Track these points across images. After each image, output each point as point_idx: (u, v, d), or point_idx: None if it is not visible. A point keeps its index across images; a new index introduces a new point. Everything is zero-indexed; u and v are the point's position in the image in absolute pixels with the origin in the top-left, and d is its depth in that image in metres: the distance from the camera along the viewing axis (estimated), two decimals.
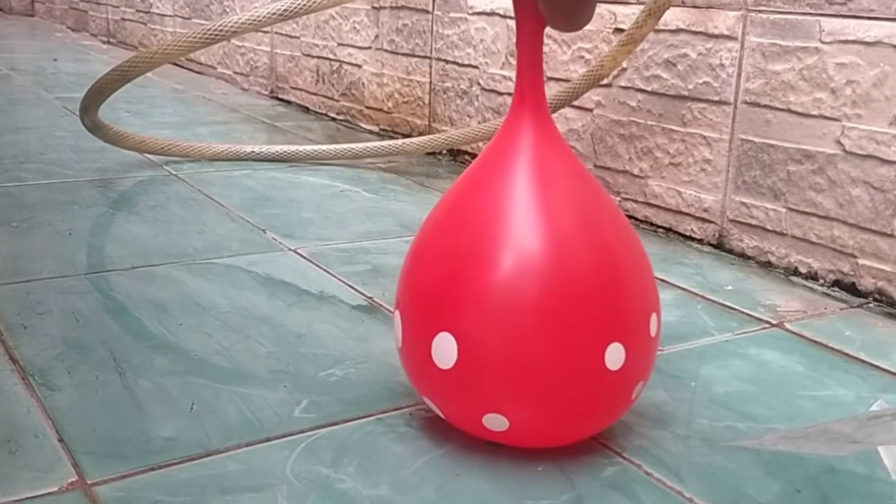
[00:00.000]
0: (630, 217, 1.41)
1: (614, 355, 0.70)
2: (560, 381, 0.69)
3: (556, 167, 0.74)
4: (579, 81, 1.41)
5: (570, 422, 0.72)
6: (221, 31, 1.40)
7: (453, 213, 0.76)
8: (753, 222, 1.24)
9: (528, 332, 0.69)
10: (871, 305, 1.10)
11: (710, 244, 1.31)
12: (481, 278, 0.70)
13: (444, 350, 0.71)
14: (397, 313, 0.77)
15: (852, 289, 1.13)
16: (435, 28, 1.85)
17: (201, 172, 1.64)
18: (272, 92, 2.56)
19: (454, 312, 0.71)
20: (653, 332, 0.75)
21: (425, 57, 1.89)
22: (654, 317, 0.75)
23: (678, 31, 1.31)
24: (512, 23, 1.63)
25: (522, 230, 0.71)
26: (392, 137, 2.01)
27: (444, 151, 1.86)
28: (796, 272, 1.20)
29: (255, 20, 1.40)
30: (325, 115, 2.29)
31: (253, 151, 1.74)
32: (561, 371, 0.69)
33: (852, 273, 1.13)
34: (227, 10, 2.76)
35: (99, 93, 1.49)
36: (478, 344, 0.70)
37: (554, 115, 1.53)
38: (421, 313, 0.74)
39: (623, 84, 1.41)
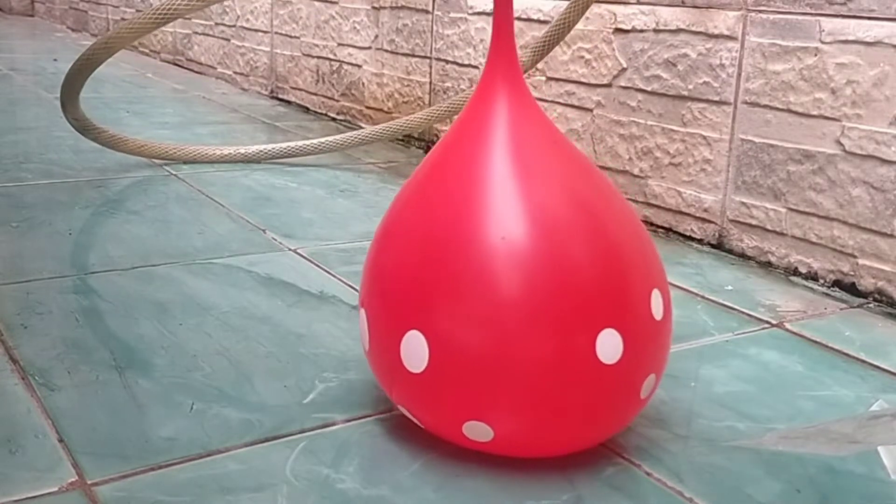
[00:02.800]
0: None
1: (608, 345, 0.62)
2: (545, 381, 0.62)
3: (534, 133, 0.67)
4: (543, 40, 1.40)
5: (564, 428, 0.66)
6: (170, 10, 1.35)
7: (423, 192, 0.68)
8: (753, 222, 1.24)
9: (508, 327, 0.61)
10: (871, 305, 1.10)
11: (710, 244, 1.31)
12: (454, 268, 0.62)
13: (414, 351, 0.63)
14: (362, 311, 0.70)
15: (852, 289, 1.13)
16: (435, 28, 1.85)
17: (201, 172, 1.64)
18: (272, 92, 2.56)
19: (423, 309, 0.63)
20: (657, 314, 0.65)
21: (425, 57, 1.89)
22: (656, 295, 0.65)
23: (678, 31, 1.31)
24: None
25: (500, 209, 0.63)
26: (391, 137, 2.01)
27: None
28: (796, 272, 1.20)
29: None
30: (325, 115, 2.29)
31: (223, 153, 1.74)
32: (545, 370, 0.61)
33: (852, 273, 1.13)
34: (227, 9, 2.76)
35: (69, 87, 1.48)
36: (450, 343, 0.62)
37: (553, 116, 1.53)
38: (387, 310, 0.66)
39: (623, 84, 1.41)
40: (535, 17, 1.57)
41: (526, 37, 1.60)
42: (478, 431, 0.65)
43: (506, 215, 0.63)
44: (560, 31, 1.39)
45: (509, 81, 0.68)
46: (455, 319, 0.63)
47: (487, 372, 0.63)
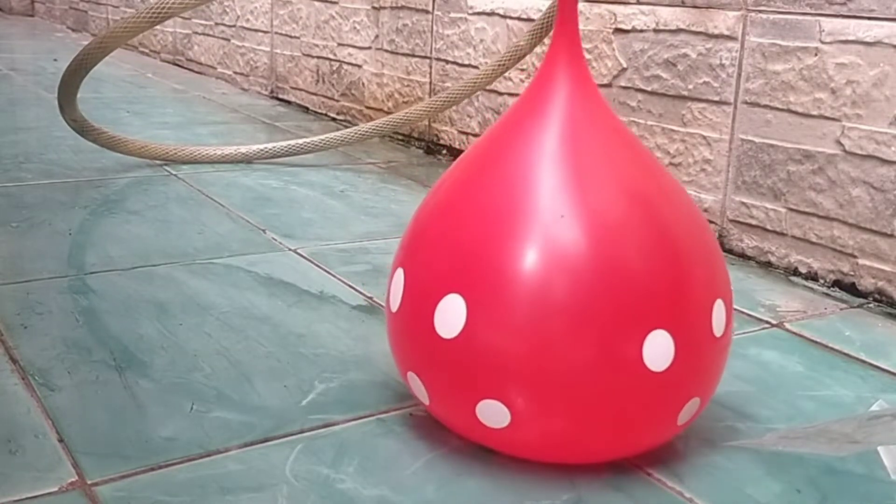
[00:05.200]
0: None
1: (657, 348, 0.56)
2: (581, 376, 0.57)
3: (593, 120, 0.63)
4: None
5: (586, 429, 0.62)
6: (164, 9, 1.34)
7: (479, 166, 0.65)
8: (753, 222, 1.24)
9: (549, 315, 0.58)
10: (871, 305, 1.10)
11: None
12: (507, 242, 0.59)
13: (450, 315, 0.60)
14: (399, 271, 0.67)
15: (852, 289, 1.13)
16: (435, 28, 1.85)
17: (201, 172, 1.64)
18: (272, 92, 2.56)
19: (468, 274, 0.60)
20: (717, 328, 0.60)
21: (425, 57, 1.89)
22: (719, 307, 0.60)
23: (678, 31, 1.31)
24: (511, 23, 1.63)
25: (553, 194, 0.59)
26: (392, 137, 2.01)
27: (445, 150, 1.86)
28: (796, 272, 1.20)
29: None
30: (325, 115, 2.29)
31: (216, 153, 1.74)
32: (583, 363, 0.57)
33: (852, 273, 1.13)
34: (227, 9, 2.75)
35: (66, 88, 1.48)
36: (490, 312, 0.59)
37: None
38: (430, 271, 0.63)
39: (623, 84, 1.41)
40: (535, 17, 1.57)
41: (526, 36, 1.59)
42: (492, 414, 0.61)
43: (561, 197, 0.60)
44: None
45: (572, 66, 0.65)
46: (498, 291, 0.59)
47: (516, 353, 0.59)
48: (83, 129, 1.58)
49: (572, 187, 0.61)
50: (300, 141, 1.75)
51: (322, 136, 1.74)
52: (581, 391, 0.59)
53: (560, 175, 0.62)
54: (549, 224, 0.60)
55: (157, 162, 1.69)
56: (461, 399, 0.64)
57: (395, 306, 0.68)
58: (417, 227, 0.68)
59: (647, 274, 0.58)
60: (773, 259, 1.23)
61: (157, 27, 3.33)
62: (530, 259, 0.59)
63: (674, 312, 0.57)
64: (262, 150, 1.73)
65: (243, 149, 1.73)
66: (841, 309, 1.09)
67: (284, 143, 1.74)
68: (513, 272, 0.59)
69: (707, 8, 1.27)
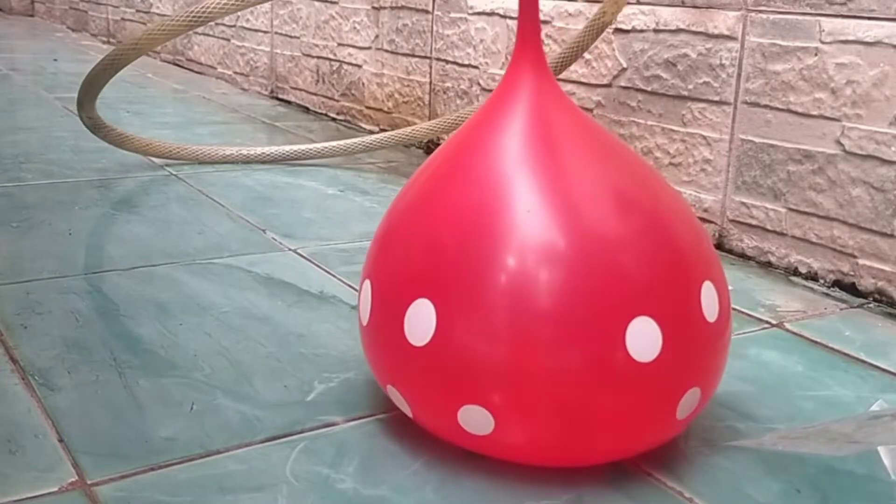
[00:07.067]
0: None
1: (642, 336, 0.53)
2: (563, 375, 0.55)
3: (560, 117, 0.63)
4: (582, 35, 1.39)
5: (576, 429, 0.60)
6: (204, 13, 1.35)
7: (447, 170, 0.64)
8: (753, 222, 1.24)
9: (525, 308, 0.55)
10: (871, 305, 1.10)
11: None
12: (475, 242, 0.57)
13: (420, 322, 0.58)
14: (366, 283, 0.66)
15: (852, 289, 1.13)
16: (435, 28, 1.85)
17: (201, 173, 1.64)
18: (272, 92, 2.56)
19: (436, 278, 0.58)
20: (709, 313, 0.57)
21: (425, 57, 1.89)
22: (708, 289, 0.57)
23: (678, 31, 1.31)
24: (511, 23, 1.63)
25: (525, 187, 0.58)
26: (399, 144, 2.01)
27: None
28: (796, 272, 1.20)
29: (237, 2, 1.35)
30: (325, 115, 2.29)
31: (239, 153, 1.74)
32: (564, 359, 0.54)
33: (852, 273, 1.13)
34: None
35: (91, 86, 1.48)
36: (459, 315, 0.57)
37: None
38: (396, 278, 0.61)
39: (623, 84, 1.41)
40: None
41: None
42: (475, 420, 0.59)
43: (530, 193, 0.59)
44: (577, 49, 1.40)
45: (536, 70, 0.65)
46: (468, 292, 0.57)
47: (493, 354, 0.56)
48: (95, 126, 1.57)
49: (540, 178, 0.60)
50: (318, 146, 1.76)
51: (344, 142, 1.75)
52: (565, 389, 0.56)
53: (528, 168, 0.60)
54: (518, 220, 0.58)
55: (158, 162, 1.69)
56: (441, 407, 0.61)
57: (365, 319, 0.67)
58: (382, 236, 0.67)
59: (625, 259, 0.56)
60: (773, 259, 1.23)
61: None
62: (500, 257, 0.57)
63: (656, 297, 0.54)
64: (288, 151, 1.73)
65: (262, 150, 1.74)
66: (841, 309, 1.09)
67: (304, 147, 1.75)
68: (482, 272, 0.57)
69: (707, 8, 1.27)
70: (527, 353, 0.56)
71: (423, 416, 0.66)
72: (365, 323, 0.67)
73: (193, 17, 1.34)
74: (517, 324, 0.56)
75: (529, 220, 0.57)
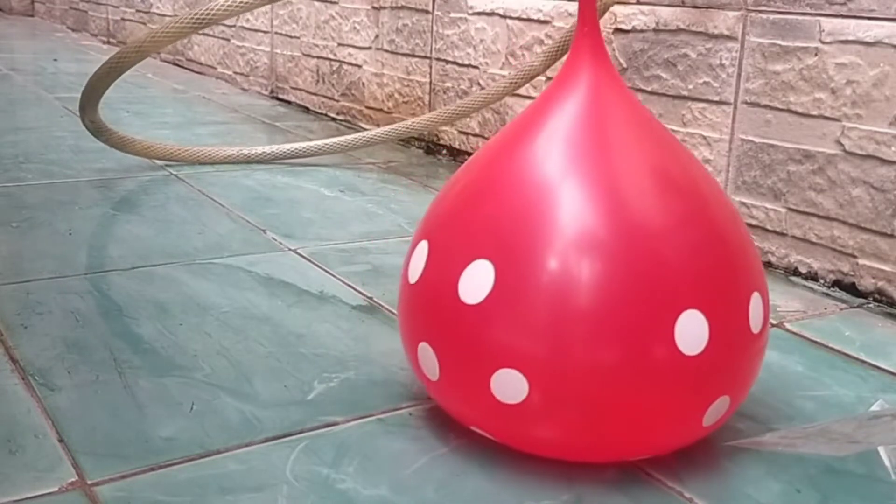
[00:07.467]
0: None
1: (690, 328, 0.54)
2: (606, 347, 0.55)
3: (620, 111, 0.64)
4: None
5: (606, 415, 0.60)
6: (208, 15, 1.34)
7: (514, 150, 0.66)
8: (753, 222, 1.24)
9: (575, 285, 0.56)
10: (871, 305, 1.10)
11: None
12: (534, 212, 0.59)
13: (477, 281, 0.59)
14: (422, 243, 0.67)
15: (852, 289, 1.13)
16: (435, 28, 1.85)
17: (201, 173, 1.64)
18: (272, 92, 2.56)
19: (497, 239, 0.60)
20: (753, 324, 0.59)
21: (425, 57, 1.89)
22: (756, 301, 0.59)
23: (678, 31, 1.31)
24: (511, 23, 1.63)
25: (581, 201, 0.59)
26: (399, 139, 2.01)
27: (445, 150, 1.86)
28: (796, 272, 1.20)
29: (242, 3, 1.35)
30: (325, 115, 2.29)
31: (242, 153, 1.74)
32: (611, 336, 0.55)
33: (852, 273, 1.13)
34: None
35: (94, 90, 1.48)
36: (516, 279, 0.58)
37: None
38: (457, 239, 0.63)
39: None
40: (535, 17, 1.57)
41: (526, 37, 1.60)
42: (508, 386, 0.59)
43: (588, 178, 0.61)
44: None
45: (596, 59, 0.67)
46: (527, 259, 0.58)
47: (540, 321, 0.57)
48: (97, 129, 1.57)
49: (601, 165, 0.62)
50: (325, 141, 1.76)
51: (344, 138, 1.75)
52: (606, 369, 0.57)
53: (590, 155, 0.62)
54: (577, 203, 0.60)
55: (158, 162, 1.69)
56: (476, 368, 0.62)
57: (414, 278, 0.67)
58: (446, 201, 0.68)
59: (682, 251, 0.57)
60: (773, 259, 1.23)
61: (157, 27, 3.33)
62: (560, 231, 0.59)
63: (709, 293, 0.56)
64: (287, 150, 1.73)
65: (261, 149, 1.73)
66: (841, 309, 1.09)
67: (307, 144, 1.75)
68: (543, 242, 0.59)
69: (707, 8, 1.27)
70: (572, 326, 0.57)
71: (453, 377, 0.65)
72: (414, 281, 0.67)
73: (197, 19, 1.34)
74: (568, 297, 0.57)
75: (586, 203, 0.59)
